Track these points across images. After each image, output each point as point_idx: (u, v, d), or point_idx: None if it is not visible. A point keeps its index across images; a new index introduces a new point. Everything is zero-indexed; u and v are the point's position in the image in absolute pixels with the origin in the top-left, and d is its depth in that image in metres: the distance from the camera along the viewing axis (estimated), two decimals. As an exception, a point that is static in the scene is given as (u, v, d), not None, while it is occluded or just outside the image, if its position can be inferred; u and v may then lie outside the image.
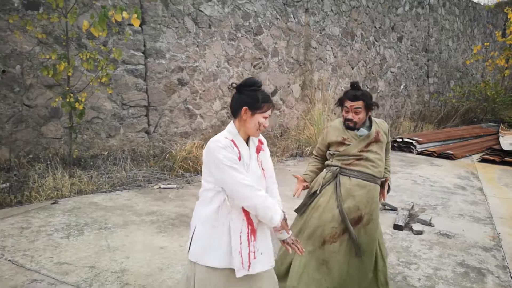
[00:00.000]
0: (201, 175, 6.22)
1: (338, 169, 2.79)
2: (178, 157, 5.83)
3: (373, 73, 12.52)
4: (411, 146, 9.37)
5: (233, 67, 8.75)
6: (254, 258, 1.94)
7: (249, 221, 1.95)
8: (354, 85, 2.75)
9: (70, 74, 5.67)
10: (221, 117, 8.65)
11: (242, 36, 8.82)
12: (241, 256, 1.90)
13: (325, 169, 2.91)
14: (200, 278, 1.91)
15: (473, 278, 3.32)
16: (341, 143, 2.80)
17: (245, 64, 8.95)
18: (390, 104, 13.47)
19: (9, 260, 3.06)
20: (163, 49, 7.49)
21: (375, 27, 12.30)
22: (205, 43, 8.15)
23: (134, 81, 7.15)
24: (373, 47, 12.39)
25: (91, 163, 5.93)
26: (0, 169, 5.48)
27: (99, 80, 5.90)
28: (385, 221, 4.54)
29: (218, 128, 8.52)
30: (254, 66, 9.16)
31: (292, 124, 10.16)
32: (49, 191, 4.74)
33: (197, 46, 8.04)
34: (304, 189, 2.91)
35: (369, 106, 2.74)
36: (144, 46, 7.27)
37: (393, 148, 9.69)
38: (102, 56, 6.67)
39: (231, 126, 2.03)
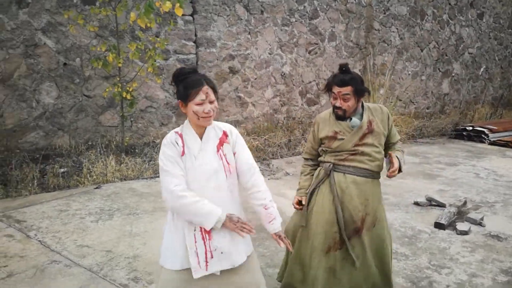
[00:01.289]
0: None
1: (331, 165, 2.52)
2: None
3: (446, 55, 11.45)
4: (483, 135, 8.43)
5: (287, 54, 8.56)
6: (212, 257, 1.87)
7: None
8: (343, 68, 2.43)
9: (120, 65, 5.96)
10: (274, 105, 8.55)
11: (296, 21, 8.57)
12: (197, 255, 1.85)
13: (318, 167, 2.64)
14: (163, 280, 1.92)
15: (520, 289, 2.90)
16: (333, 138, 2.50)
17: (299, 50, 8.71)
18: (466, 88, 12.24)
19: (39, 241, 3.34)
20: (214, 37, 7.56)
21: (449, 4, 11.19)
22: (257, 29, 8.06)
23: (186, 71, 7.32)
24: (447, 26, 11.30)
25: (141, 150, 6.23)
26: (61, 155, 5.99)
27: (148, 70, 6.13)
28: (427, 218, 4.14)
29: (270, 116, 8.45)
30: (309, 52, 8.87)
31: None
32: (95, 177, 5.08)
33: (249, 33, 7.99)
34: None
35: (359, 91, 2.40)
36: (195, 35, 7.39)
37: (461, 137, 8.82)
38: (154, 47, 6.93)
39: (186, 120, 1.97)
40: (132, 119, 6.91)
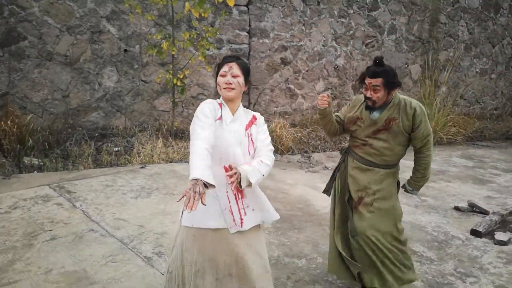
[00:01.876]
0: (278, 153, 6.21)
1: (346, 148, 2.76)
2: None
3: (523, 52, 10.52)
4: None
5: (341, 46, 8.40)
6: (245, 214, 2.00)
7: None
8: (377, 61, 2.44)
9: (174, 53, 6.25)
10: (325, 97, 8.45)
11: (354, 13, 8.37)
12: (232, 214, 1.97)
13: None
14: (188, 236, 1.97)
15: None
16: (354, 122, 2.62)
17: (355, 42, 8.50)
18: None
19: (82, 211, 3.69)
20: (267, 28, 7.63)
21: (530, -4, 10.23)
22: (311, 21, 8.00)
23: (238, 60, 7.48)
24: (526, 20, 10.35)
25: (188, 135, 6.52)
26: (117, 135, 6.46)
27: (199, 59, 6.36)
28: (465, 224, 3.94)
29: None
30: (366, 45, 8.63)
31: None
32: (143, 157, 5.44)
33: (303, 24, 7.95)
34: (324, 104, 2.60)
35: (389, 84, 2.40)
36: (249, 25, 7.51)
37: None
38: (209, 37, 7.16)
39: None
40: (183, 105, 7.24)
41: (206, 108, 1.96)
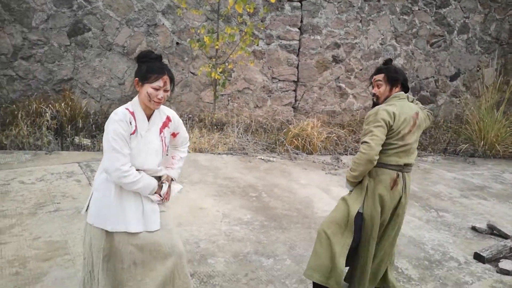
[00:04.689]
0: (307, 153, 6.07)
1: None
2: (291, 133, 5.92)
3: None
4: None
5: (402, 45, 7.88)
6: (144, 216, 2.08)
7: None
8: (385, 62, 2.62)
9: (217, 47, 6.45)
10: (379, 99, 8.03)
11: (419, 10, 7.79)
12: (136, 215, 2.06)
13: None
14: (94, 237, 2.05)
15: None
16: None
17: (418, 41, 7.92)
18: None
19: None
20: (320, 24, 7.47)
21: None
22: (369, 18, 7.63)
23: (286, 56, 7.46)
24: None
25: (226, 128, 6.70)
26: (162, 122, 6.88)
27: (242, 53, 6.48)
28: (473, 246, 3.49)
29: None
30: (431, 45, 7.99)
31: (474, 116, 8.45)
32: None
33: (360, 21, 7.62)
34: None
35: (391, 79, 2.52)
36: (301, 21, 7.42)
37: None
38: (260, 33, 7.24)
39: (135, 98, 2.10)
40: (229, 99, 7.43)
41: (120, 129, 1.99)
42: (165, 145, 2.18)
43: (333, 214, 2.53)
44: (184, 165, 4.98)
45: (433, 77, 8.15)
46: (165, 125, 2.16)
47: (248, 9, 6.21)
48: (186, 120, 7.00)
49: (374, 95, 2.60)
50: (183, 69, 7.18)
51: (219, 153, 5.61)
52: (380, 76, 2.55)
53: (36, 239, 3.07)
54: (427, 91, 8.21)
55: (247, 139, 6.00)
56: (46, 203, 3.68)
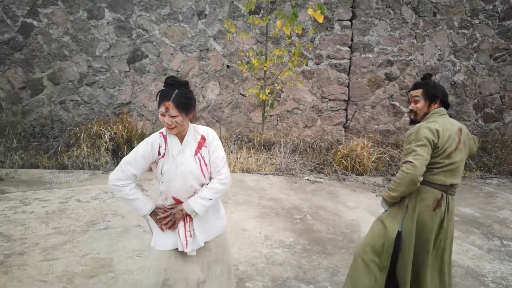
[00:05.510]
0: (356, 174, 5.88)
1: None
2: (339, 153, 5.75)
3: None
4: None
5: (461, 60, 7.46)
6: (191, 236, 2.11)
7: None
8: (424, 77, 2.56)
9: (265, 69, 6.54)
10: (437, 117, 7.61)
11: (480, 23, 7.36)
12: (179, 235, 2.10)
13: None
14: (153, 259, 2.15)
15: None
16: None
17: (480, 56, 7.45)
18: None
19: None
20: (372, 42, 7.31)
21: None
22: (425, 33, 7.34)
23: (337, 75, 7.36)
24: None
25: (274, 148, 6.69)
26: (213, 143, 7.04)
27: (289, 74, 6.50)
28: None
29: (429, 129, 7.57)
30: (495, 59, 7.48)
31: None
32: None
33: (414, 37, 7.35)
34: None
35: (429, 94, 2.43)
36: (352, 40, 7.32)
37: None
38: (309, 53, 7.24)
39: None
40: (278, 119, 7.45)
41: (140, 148, 2.08)
42: (205, 165, 2.14)
43: (368, 237, 2.40)
44: (234, 185, 5.04)
45: (498, 93, 7.60)
46: (200, 145, 2.14)
47: (296, 31, 6.24)
48: (235, 141, 7.10)
49: (411, 111, 2.50)
50: (233, 91, 7.34)
51: (266, 174, 5.60)
52: (418, 92, 2.47)
53: (85, 255, 3.23)
54: (491, 108, 7.66)
55: (295, 159, 5.94)
56: (97, 221, 3.88)
